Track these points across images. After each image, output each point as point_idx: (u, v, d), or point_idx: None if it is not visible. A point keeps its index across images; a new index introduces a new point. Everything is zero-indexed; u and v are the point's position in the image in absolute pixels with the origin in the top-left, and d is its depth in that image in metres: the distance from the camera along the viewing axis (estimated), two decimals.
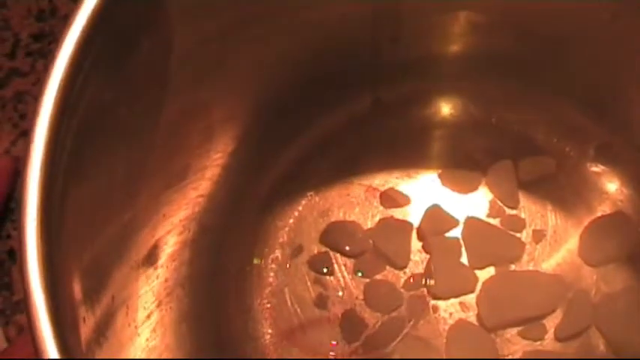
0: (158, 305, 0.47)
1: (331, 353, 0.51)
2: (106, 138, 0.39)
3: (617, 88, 0.52)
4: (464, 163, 0.55)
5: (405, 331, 0.51)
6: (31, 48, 0.60)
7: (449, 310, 0.52)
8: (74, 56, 0.34)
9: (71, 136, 0.35)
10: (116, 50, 0.37)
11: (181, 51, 0.43)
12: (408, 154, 0.55)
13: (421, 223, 0.53)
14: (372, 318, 0.52)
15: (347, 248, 0.53)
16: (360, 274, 0.53)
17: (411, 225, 0.54)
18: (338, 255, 0.53)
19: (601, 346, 0.51)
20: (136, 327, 0.43)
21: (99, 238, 0.40)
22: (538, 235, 0.53)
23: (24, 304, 0.30)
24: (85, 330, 0.35)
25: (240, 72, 0.49)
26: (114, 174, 0.41)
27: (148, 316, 0.45)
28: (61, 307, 0.31)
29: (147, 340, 0.44)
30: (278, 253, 0.53)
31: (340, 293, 0.52)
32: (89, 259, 0.38)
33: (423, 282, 0.52)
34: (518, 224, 0.54)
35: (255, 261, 0.53)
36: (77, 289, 0.35)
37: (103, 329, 0.38)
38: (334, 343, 0.51)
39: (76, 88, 0.34)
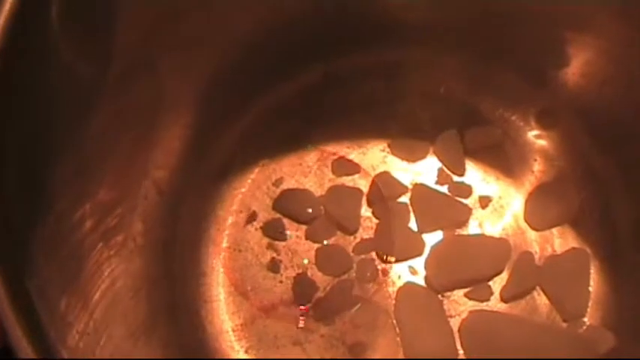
0: (116, 267, 0.47)
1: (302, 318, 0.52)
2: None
3: (554, 59, 0.54)
4: (412, 133, 0.57)
5: (354, 293, 0.53)
6: None
7: (398, 273, 0.53)
8: None
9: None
10: None
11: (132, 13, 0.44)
12: (358, 125, 0.57)
13: (370, 189, 0.55)
14: (322, 281, 0.53)
15: (299, 215, 0.55)
16: (311, 240, 0.54)
17: (361, 191, 0.55)
18: (290, 221, 0.55)
19: (544, 307, 0.52)
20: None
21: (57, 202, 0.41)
22: (484, 201, 0.55)
23: None
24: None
25: (193, 43, 0.50)
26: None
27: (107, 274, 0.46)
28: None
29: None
30: (232, 219, 0.55)
31: (292, 258, 0.54)
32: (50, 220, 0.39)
33: (373, 246, 0.54)
34: (465, 191, 0.55)
35: None
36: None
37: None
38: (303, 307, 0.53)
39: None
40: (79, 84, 0.42)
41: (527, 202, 0.55)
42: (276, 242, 0.54)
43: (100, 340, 0.41)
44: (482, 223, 0.55)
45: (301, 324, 0.52)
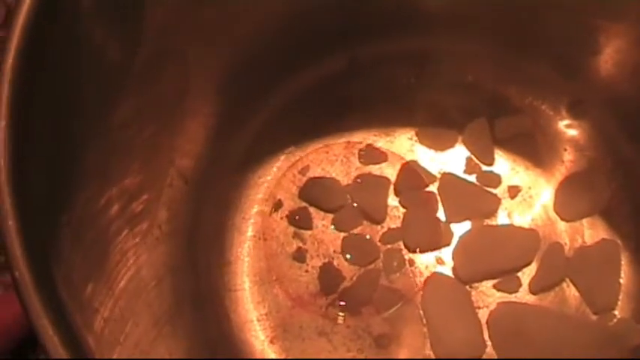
0: (140, 254, 0.47)
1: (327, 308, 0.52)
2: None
3: (585, 47, 0.53)
4: (440, 121, 0.56)
5: (381, 283, 0.52)
6: None
7: (425, 263, 0.53)
8: None
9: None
10: None
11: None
12: (385, 112, 0.56)
13: (398, 178, 0.54)
14: (349, 271, 0.53)
15: (325, 203, 0.54)
16: (337, 229, 0.53)
17: (388, 180, 0.54)
18: (317, 210, 0.54)
19: (574, 299, 0.51)
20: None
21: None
22: (513, 191, 0.54)
23: None
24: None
25: (219, 31, 0.50)
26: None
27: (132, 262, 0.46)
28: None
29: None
30: (257, 208, 0.54)
31: (318, 247, 0.53)
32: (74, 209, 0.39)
33: (400, 236, 0.53)
34: (494, 180, 0.55)
35: None
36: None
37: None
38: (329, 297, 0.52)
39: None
40: (109, 70, 0.42)
41: (556, 192, 0.54)
42: (302, 231, 0.54)
43: (126, 327, 0.40)
44: (511, 214, 0.54)
45: (327, 314, 0.51)
